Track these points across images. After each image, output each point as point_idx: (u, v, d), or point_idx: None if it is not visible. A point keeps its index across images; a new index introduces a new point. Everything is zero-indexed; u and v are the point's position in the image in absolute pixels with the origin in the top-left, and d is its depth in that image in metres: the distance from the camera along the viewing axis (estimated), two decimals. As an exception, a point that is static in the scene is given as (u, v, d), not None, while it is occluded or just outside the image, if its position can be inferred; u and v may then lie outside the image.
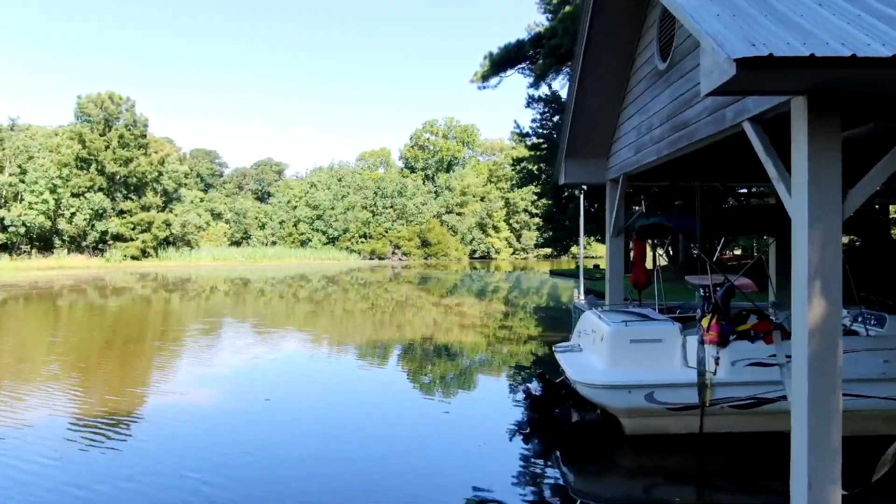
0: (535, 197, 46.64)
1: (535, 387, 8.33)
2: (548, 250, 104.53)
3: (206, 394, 9.85)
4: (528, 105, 40.80)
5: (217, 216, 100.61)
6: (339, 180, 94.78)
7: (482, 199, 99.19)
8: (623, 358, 7.37)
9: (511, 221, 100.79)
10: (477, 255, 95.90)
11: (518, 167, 44.75)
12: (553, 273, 50.56)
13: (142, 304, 26.05)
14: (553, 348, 8.80)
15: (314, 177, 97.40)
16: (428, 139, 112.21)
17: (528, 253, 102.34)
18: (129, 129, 61.73)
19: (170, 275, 47.11)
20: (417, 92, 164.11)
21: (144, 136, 63.56)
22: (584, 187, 11.34)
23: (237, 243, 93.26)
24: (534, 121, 41.99)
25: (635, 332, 7.47)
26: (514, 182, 47.15)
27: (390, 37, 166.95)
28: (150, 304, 26.54)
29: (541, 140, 40.38)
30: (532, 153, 41.79)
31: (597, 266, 55.26)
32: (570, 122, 9.12)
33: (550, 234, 44.65)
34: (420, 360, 13.13)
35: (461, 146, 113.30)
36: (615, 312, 8.47)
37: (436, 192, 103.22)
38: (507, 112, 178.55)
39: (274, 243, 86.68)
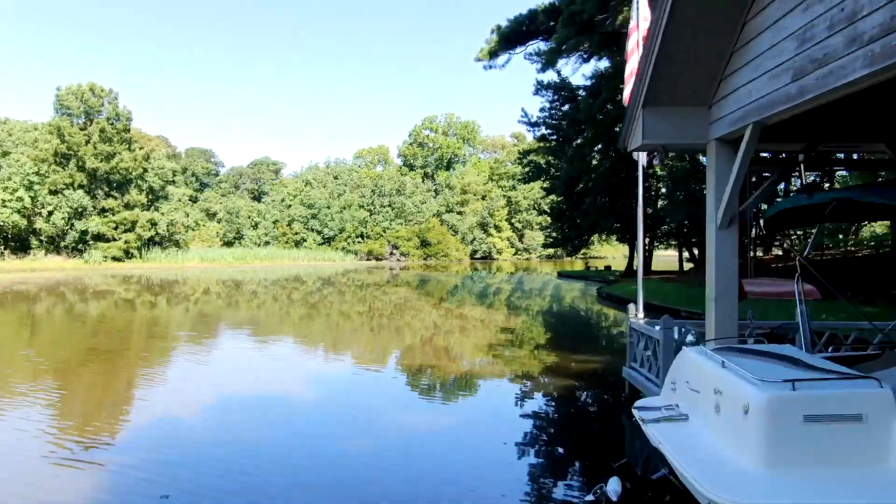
0: (544, 193, 43.19)
1: (613, 488, 4.87)
2: (551, 251, 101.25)
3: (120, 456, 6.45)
4: (537, 92, 37.48)
5: (211, 216, 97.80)
6: (336, 178, 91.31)
7: (483, 198, 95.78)
8: (794, 451, 3.95)
9: (513, 221, 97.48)
10: (478, 256, 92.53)
11: (524, 161, 41.32)
12: (562, 275, 47.08)
13: (100, 314, 22.60)
14: (635, 412, 5.30)
15: (309, 174, 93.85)
16: (427, 136, 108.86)
17: (530, 253, 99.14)
18: (112, 123, 58.22)
19: (153, 277, 43.72)
20: (416, 88, 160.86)
21: (128, 131, 59.99)
22: (657, 153, 7.57)
23: (230, 243, 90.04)
24: (542, 110, 38.65)
25: (813, 401, 4.03)
26: (520, 178, 43.65)
27: (388, 32, 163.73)
28: (110, 313, 23.08)
29: (550, 130, 36.98)
30: (541, 144, 38.40)
31: (608, 268, 51.67)
32: (654, 50, 5.71)
33: (561, 232, 41.21)
34: (417, 413, 9.13)
35: (461, 143, 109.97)
36: (742, 354, 5.02)
37: (435, 190, 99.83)
38: (508, 108, 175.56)
39: (267, 243, 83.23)
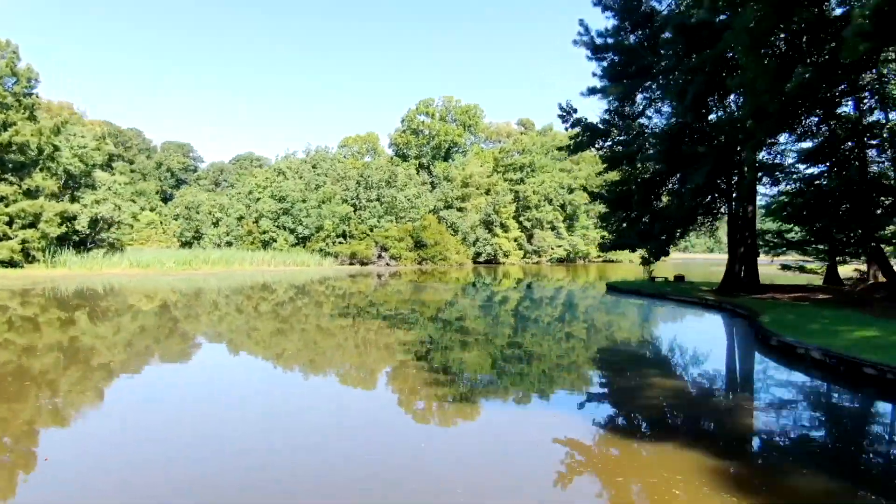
0: (603, 167, 29.11)
1: None
2: (562, 253, 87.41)
3: None
4: (597, 2, 23.73)
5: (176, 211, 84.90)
6: (314, 167, 77.08)
7: (487, 192, 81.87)
8: None
9: (521, 219, 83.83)
10: (481, 259, 78.66)
11: (571, 119, 27.29)
12: (612, 289, 32.90)
13: None
14: None
15: (284, 163, 79.46)
16: (423, 122, 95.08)
17: (540, 256, 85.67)
18: (6, 86, 44.09)
19: (52, 290, 29.62)
20: (410, 72, 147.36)
21: (30, 96, 45.81)
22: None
23: (188, 244, 76.20)
24: (601, 34, 24.83)
25: None
26: (567, 145, 29.08)
27: (383, 23, 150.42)
28: None
29: (622, 57, 23.20)
30: (603, 84, 24.59)
31: (679, 277, 37.14)
32: None
33: (625, 226, 27.08)
34: None
35: (462, 130, 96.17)
36: None
37: (432, 183, 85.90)
38: (510, 96, 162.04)
39: (229, 244, 69.18)
